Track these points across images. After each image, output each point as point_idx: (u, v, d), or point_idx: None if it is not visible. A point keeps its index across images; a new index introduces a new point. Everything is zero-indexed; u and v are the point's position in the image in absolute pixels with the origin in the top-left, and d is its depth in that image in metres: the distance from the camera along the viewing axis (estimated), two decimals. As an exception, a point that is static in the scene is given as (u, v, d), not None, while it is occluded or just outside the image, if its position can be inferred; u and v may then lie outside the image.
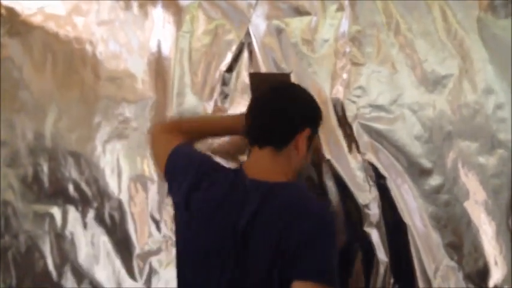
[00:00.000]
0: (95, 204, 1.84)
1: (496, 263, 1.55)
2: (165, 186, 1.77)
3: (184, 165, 1.42)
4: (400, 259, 1.57)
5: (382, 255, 1.58)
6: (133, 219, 1.81)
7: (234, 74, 1.78)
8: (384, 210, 1.60)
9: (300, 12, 1.79)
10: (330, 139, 1.65)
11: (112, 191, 1.83)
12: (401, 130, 1.64)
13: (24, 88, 1.96)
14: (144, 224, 1.79)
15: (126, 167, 1.84)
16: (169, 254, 1.72)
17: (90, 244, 1.84)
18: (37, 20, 1.98)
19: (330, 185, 1.62)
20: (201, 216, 1.29)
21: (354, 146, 1.65)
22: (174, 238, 1.70)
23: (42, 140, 1.91)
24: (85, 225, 1.85)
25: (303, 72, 1.73)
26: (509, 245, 1.55)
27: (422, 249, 1.56)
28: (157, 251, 1.77)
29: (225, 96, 1.78)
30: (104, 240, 1.83)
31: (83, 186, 1.86)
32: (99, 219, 1.84)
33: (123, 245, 1.81)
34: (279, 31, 1.78)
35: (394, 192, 1.60)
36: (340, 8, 1.76)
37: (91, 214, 1.85)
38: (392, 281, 1.57)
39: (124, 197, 1.82)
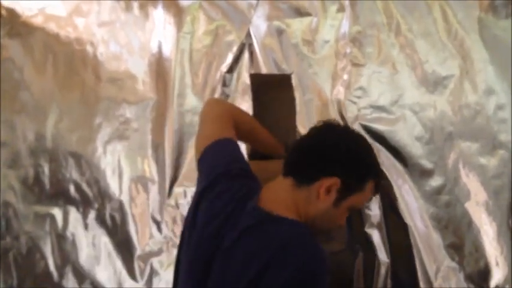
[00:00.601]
0: (96, 205, 1.85)
1: (497, 264, 1.55)
2: (166, 187, 1.78)
3: (215, 161, 1.31)
4: (401, 260, 1.57)
5: (383, 255, 1.58)
6: (134, 220, 1.81)
7: (235, 74, 1.78)
8: (385, 211, 1.60)
9: (300, 13, 1.79)
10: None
11: (113, 192, 1.84)
12: (402, 131, 1.64)
13: (24, 89, 1.96)
14: (145, 225, 1.79)
15: (127, 168, 1.84)
16: (170, 255, 1.72)
17: (91, 245, 1.84)
18: (38, 21, 1.98)
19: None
20: (198, 222, 1.26)
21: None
22: (175, 239, 1.71)
23: (43, 141, 1.91)
24: (86, 226, 1.85)
25: (304, 73, 1.73)
26: (510, 246, 1.55)
27: (423, 250, 1.56)
28: (158, 252, 1.77)
29: (225, 97, 1.78)
30: (105, 241, 1.83)
31: (84, 187, 1.86)
32: (100, 220, 1.84)
33: (124, 246, 1.81)
34: (280, 32, 1.78)
35: (395, 193, 1.60)
36: (341, 9, 1.75)
37: (92, 215, 1.85)
38: (393, 281, 1.57)
39: (125, 198, 1.82)
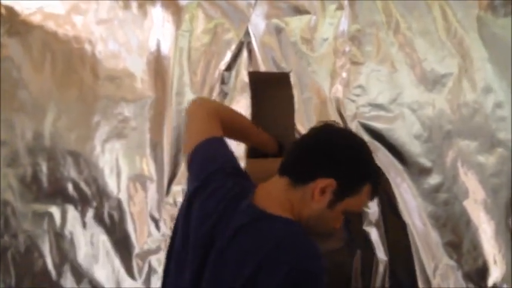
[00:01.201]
0: (94, 204, 1.84)
1: (495, 262, 1.55)
2: (164, 185, 1.78)
3: (207, 161, 1.29)
4: (400, 258, 1.57)
5: (381, 254, 1.58)
6: (132, 218, 1.81)
7: (233, 73, 1.78)
8: (383, 209, 1.60)
9: (299, 11, 1.78)
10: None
11: (111, 191, 1.83)
12: (401, 129, 1.64)
13: (23, 88, 1.96)
14: (143, 223, 1.79)
15: (125, 167, 1.84)
16: (169, 253, 1.72)
17: (90, 243, 1.84)
18: (36, 19, 1.98)
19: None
20: (192, 223, 1.24)
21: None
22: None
23: (41, 140, 1.91)
24: (84, 225, 1.85)
25: (303, 71, 1.72)
26: (509, 244, 1.55)
27: (421, 248, 1.56)
28: (156, 250, 1.77)
29: (224, 95, 1.78)
30: (103, 240, 1.83)
31: (82, 185, 1.86)
32: (99, 218, 1.84)
33: (122, 245, 1.81)
34: (279, 30, 1.78)
35: (394, 191, 1.60)
36: (340, 7, 1.75)
37: (90, 213, 1.85)
38: (391, 279, 1.56)
39: (123, 197, 1.82)
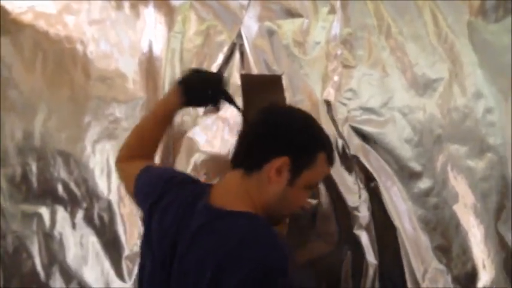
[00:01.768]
0: (84, 205, 1.83)
1: (484, 267, 1.56)
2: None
3: (151, 182, 1.30)
4: (389, 262, 1.58)
5: (371, 257, 1.58)
6: (122, 220, 1.80)
7: (225, 75, 1.78)
8: (374, 213, 1.61)
9: (292, 14, 1.79)
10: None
11: (101, 192, 1.82)
12: (392, 133, 1.65)
13: (13, 87, 1.94)
14: (133, 225, 1.78)
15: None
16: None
17: (79, 245, 1.83)
18: (27, 18, 1.96)
19: (320, 187, 1.62)
20: (154, 240, 1.21)
21: (344, 148, 1.65)
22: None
23: (31, 140, 1.89)
24: (74, 226, 1.84)
25: (295, 74, 1.73)
26: (498, 249, 1.56)
27: (411, 252, 1.56)
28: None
29: (216, 97, 1.77)
30: (92, 241, 1.82)
31: (72, 186, 1.84)
32: (88, 219, 1.82)
33: (112, 246, 1.80)
34: (271, 33, 1.78)
35: (384, 195, 1.60)
36: (332, 11, 1.76)
37: (80, 214, 1.83)
38: (381, 283, 1.57)
39: (113, 198, 1.81)
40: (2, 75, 1.95)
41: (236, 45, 1.79)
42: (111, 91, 1.87)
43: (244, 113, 1.59)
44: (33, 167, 1.88)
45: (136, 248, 1.76)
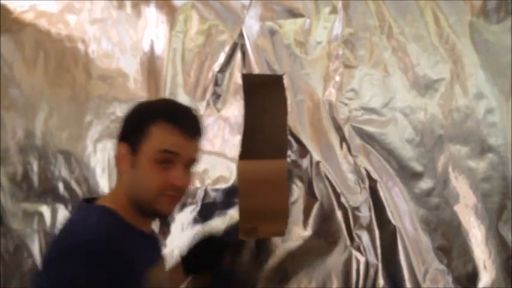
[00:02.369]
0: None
1: (485, 267, 1.56)
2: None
3: None
4: (390, 262, 1.58)
5: (372, 257, 1.58)
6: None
7: (227, 74, 1.78)
8: (375, 213, 1.61)
9: (293, 14, 1.79)
10: (322, 141, 1.65)
11: (102, 190, 1.82)
12: (393, 133, 1.65)
13: (14, 86, 1.94)
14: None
15: (117, 167, 1.83)
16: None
17: (80, 243, 1.83)
18: (29, 17, 1.96)
19: (321, 187, 1.63)
20: None
21: (345, 148, 1.65)
22: (163, 239, 1.70)
23: (32, 138, 1.89)
24: (74, 225, 1.84)
25: (296, 74, 1.73)
26: (498, 249, 1.56)
27: (412, 252, 1.56)
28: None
29: (217, 96, 1.78)
30: (93, 240, 1.81)
31: (73, 185, 1.84)
32: (89, 218, 1.82)
33: (112, 245, 1.80)
34: (272, 32, 1.78)
35: (385, 195, 1.60)
36: (334, 11, 1.76)
37: (81, 213, 1.83)
38: (381, 283, 1.57)
39: (114, 197, 1.81)
40: (3, 74, 1.95)
41: (238, 45, 1.79)
42: (113, 90, 1.87)
43: (246, 112, 1.60)
44: (34, 166, 1.88)
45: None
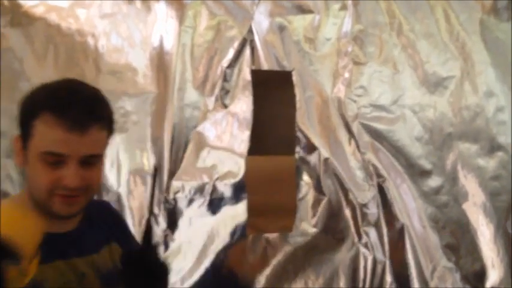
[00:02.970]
0: (94, 197, 1.84)
1: (493, 265, 1.55)
2: (164, 180, 1.78)
3: None
4: (398, 259, 1.58)
5: (379, 254, 1.58)
6: (131, 212, 1.80)
7: (236, 70, 1.78)
8: (383, 210, 1.60)
9: (303, 10, 1.79)
10: (330, 138, 1.65)
11: (111, 185, 1.82)
12: (402, 131, 1.64)
13: (25, 80, 1.95)
14: (142, 218, 1.79)
15: (126, 161, 1.83)
16: (167, 248, 1.72)
17: (88, 237, 1.83)
18: (39, 11, 1.97)
19: (329, 183, 1.62)
20: None
21: (354, 145, 1.65)
22: (171, 232, 1.71)
23: (42, 132, 1.90)
24: (83, 218, 1.84)
25: (305, 70, 1.73)
26: (507, 248, 1.56)
27: (419, 250, 1.56)
28: (155, 245, 1.76)
29: (226, 92, 1.78)
30: (101, 234, 1.82)
31: (82, 179, 1.85)
32: (97, 212, 1.83)
33: (120, 239, 1.80)
34: (282, 29, 1.78)
35: (393, 193, 1.60)
36: (343, 7, 1.76)
37: (89, 207, 1.84)
38: (389, 280, 1.57)
39: (123, 191, 1.81)
40: (13, 67, 1.96)
41: (247, 41, 1.79)
42: (122, 85, 1.87)
43: (255, 108, 1.60)
44: (44, 159, 1.88)
45: (145, 241, 1.77)
